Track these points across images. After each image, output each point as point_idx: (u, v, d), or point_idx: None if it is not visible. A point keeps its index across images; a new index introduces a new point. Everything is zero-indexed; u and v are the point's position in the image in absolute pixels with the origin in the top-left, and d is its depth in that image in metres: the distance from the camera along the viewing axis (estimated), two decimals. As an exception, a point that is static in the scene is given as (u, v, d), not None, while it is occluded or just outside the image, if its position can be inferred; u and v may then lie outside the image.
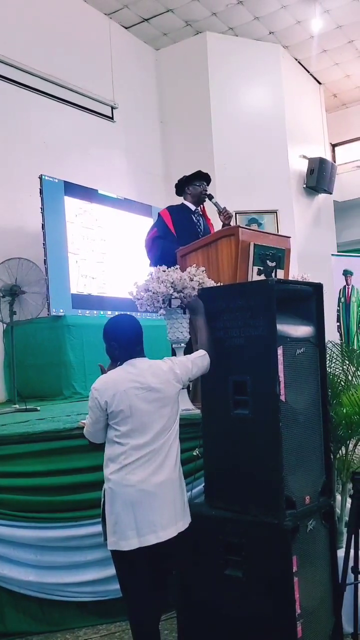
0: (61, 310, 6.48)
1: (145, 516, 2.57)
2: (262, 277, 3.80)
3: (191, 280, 3.33)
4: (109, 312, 7.04)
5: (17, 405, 5.16)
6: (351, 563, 3.03)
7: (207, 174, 4.80)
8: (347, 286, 9.02)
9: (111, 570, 3.03)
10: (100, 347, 6.54)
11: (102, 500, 2.66)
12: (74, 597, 3.52)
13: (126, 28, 9.04)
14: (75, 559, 3.50)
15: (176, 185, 4.87)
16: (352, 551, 3.03)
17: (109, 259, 7.41)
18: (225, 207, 4.58)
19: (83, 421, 3.48)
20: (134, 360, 2.74)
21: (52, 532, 3.46)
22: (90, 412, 2.69)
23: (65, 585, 3.49)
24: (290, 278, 4.19)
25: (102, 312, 7.03)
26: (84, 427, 2.82)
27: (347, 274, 9.01)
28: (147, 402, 2.65)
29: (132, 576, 2.65)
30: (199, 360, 2.90)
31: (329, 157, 10.96)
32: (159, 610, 2.87)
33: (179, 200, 4.88)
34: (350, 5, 8.74)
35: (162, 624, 2.97)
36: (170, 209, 4.75)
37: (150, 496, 2.58)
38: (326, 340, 3.17)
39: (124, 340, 2.77)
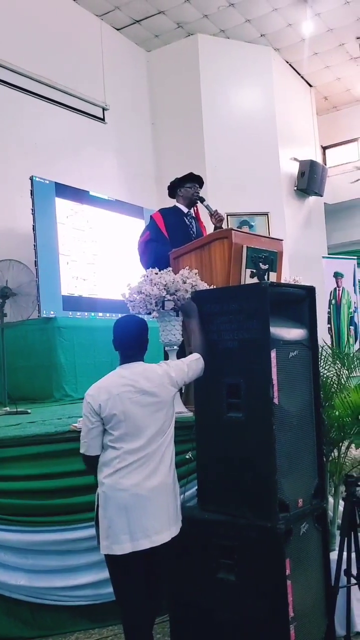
0: (52, 312, 6.46)
1: (138, 520, 2.56)
2: (255, 279, 3.79)
3: (184, 282, 3.32)
4: (100, 314, 7.04)
5: (7, 408, 5.13)
6: (344, 566, 3.03)
7: (199, 176, 4.79)
8: (337, 288, 9.07)
9: (104, 574, 3.02)
10: (91, 349, 6.58)
11: (96, 504, 2.64)
12: (66, 602, 3.49)
13: (117, 29, 9.04)
14: (68, 563, 3.47)
15: (168, 188, 4.86)
16: (344, 554, 3.03)
17: (100, 261, 7.39)
18: (216, 210, 4.57)
19: (75, 424, 3.48)
20: (128, 365, 2.73)
21: (44, 535, 3.43)
22: (84, 420, 2.67)
23: (57, 589, 3.46)
24: (282, 280, 4.20)
25: (93, 314, 7.02)
26: (75, 430, 2.80)
27: (337, 276, 9.06)
28: (140, 405, 2.63)
29: (126, 580, 2.63)
30: (194, 363, 2.89)
31: (319, 160, 11.02)
32: (152, 614, 2.86)
33: (172, 202, 4.87)
34: (341, 8, 8.80)
35: (155, 628, 2.95)
36: (163, 211, 4.74)
37: (144, 500, 2.57)
38: (321, 343, 3.17)
39: (120, 342, 2.78)
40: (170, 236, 4.49)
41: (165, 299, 3.34)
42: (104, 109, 8.59)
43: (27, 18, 7.47)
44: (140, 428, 2.62)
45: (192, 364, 2.88)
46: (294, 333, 2.98)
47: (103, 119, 8.60)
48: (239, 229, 4.71)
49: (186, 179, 4.75)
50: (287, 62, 10.27)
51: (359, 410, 3.37)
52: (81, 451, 2.69)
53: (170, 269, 3.53)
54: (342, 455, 3.53)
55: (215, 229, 4.53)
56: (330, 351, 3.92)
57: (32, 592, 3.44)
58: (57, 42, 7.87)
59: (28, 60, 7.34)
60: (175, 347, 3.60)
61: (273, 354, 2.75)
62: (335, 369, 3.76)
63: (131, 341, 2.77)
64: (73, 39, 8.19)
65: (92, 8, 8.50)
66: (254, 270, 3.82)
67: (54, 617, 3.49)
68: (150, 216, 4.78)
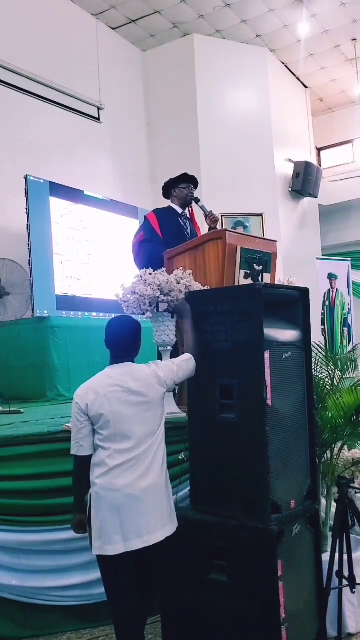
0: (45, 312, 6.44)
1: (131, 521, 2.56)
2: (249, 280, 3.80)
3: (178, 283, 3.33)
4: (94, 314, 7.03)
5: (0, 408, 5.12)
6: (336, 567, 3.04)
7: (193, 176, 4.79)
8: (331, 290, 9.08)
9: (96, 574, 3.02)
10: (84, 349, 6.57)
11: (88, 504, 2.64)
12: (58, 602, 3.49)
13: (113, 29, 9.02)
14: (60, 563, 3.47)
15: (163, 188, 4.86)
16: (336, 555, 3.04)
17: (95, 260, 7.38)
18: (211, 211, 4.57)
19: (67, 424, 3.47)
20: (117, 365, 2.74)
21: (36, 535, 3.43)
22: (73, 421, 2.67)
23: (49, 589, 3.46)
24: (276, 282, 4.20)
25: (87, 314, 7.01)
26: (68, 430, 2.79)
27: (331, 277, 9.07)
28: (129, 405, 2.63)
29: (118, 581, 2.63)
30: (185, 363, 2.89)
31: (314, 161, 11.03)
32: (144, 615, 2.85)
33: (166, 203, 4.87)
34: (336, 10, 8.81)
35: (147, 628, 2.95)
36: (157, 211, 4.73)
37: (136, 501, 2.57)
38: (316, 344, 3.18)
39: (111, 343, 2.78)
40: (164, 237, 4.49)
41: (159, 300, 3.34)
42: (99, 109, 8.56)
43: (23, 16, 7.45)
44: (129, 428, 2.62)
45: (183, 364, 2.88)
46: (288, 334, 2.99)
47: (98, 119, 8.58)
48: (233, 230, 4.71)
49: (181, 180, 4.75)
50: (283, 63, 10.28)
51: (352, 412, 3.38)
52: (72, 452, 2.68)
53: (165, 269, 3.53)
54: (335, 457, 3.54)
55: (210, 230, 4.53)
56: (324, 353, 3.92)
57: (24, 592, 3.44)
58: (52, 41, 7.85)
59: (23, 59, 7.31)
60: (169, 347, 3.60)
61: (267, 355, 2.75)
62: (329, 371, 3.77)
63: (122, 342, 2.77)
64: (68, 38, 8.18)
65: (87, 7, 8.48)
66: (248, 272, 3.83)
67: (46, 617, 3.48)
68: (145, 216, 4.78)
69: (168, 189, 4.81)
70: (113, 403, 2.61)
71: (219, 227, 4.67)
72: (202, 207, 4.59)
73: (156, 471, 2.66)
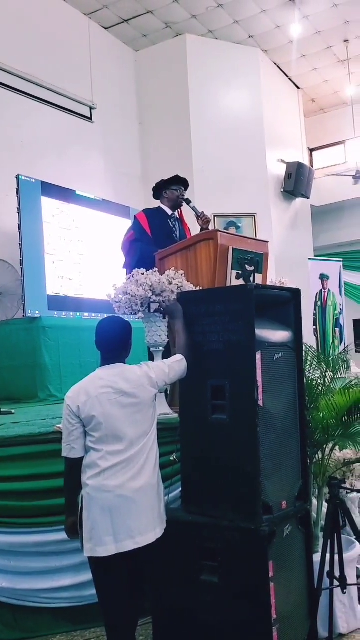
0: (37, 312, 6.42)
1: (122, 522, 2.55)
2: (241, 281, 3.79)
3: (170, 283, 3.32)
4: (86, 314, 7.01)
5: (-9, 408, 5.09)
6: (327, 568, 3.04)
7: (184, 178, 4.78)
8: (323, 290, 9.10)
9: (87, 576, 3.01)
10: (76, 349, 6.54)
11: (80, 506, 2.63)
12: (49, 604, 3.47)
13: (106, 28, 9.01)
14: (51, 565, 3.45)
15: (153, 189, 4.85)
16: (327, 556, 3.04)
17: (86, 260, 7.37)
18: (203, 212, 4.56)
19: (58, 425, 3.45)
20: (108, 366, 2.72)
21: (26, 537, 3.41)
22: (64, 423, 2.65)
23: (39, 591, 3.44)
24: (268, 282, 4.20)
25: (78, 314, 6.99)
26: (59, 431, 2.78)
27: (323, 278, 9.08)
28: (120, 407, 2.62)
29: (109, 582, 2.62)
30: (176, 364, 2.89)
31: (306, 162, 11.05)
32: (136, 617, 2.85)
33: (157, 203, 4.86)
34: (329, 11, 8.83)
35: (138, 630, 2.94)
36: (147, 211, 4.73)
37: (128, 502, 2.56)
38: (307, 345, 3.18)
39: (101, 344, 2.77)
40: (154, 236, 4.49)
41: (151, 300, 3.33)
42: (91, 108, 8.55)
43: (14, 15, 7.42)
44: (121, 430, 2.61)
45: (174, 365, 2.88)
46: (279, 335, 2.99)
47: (90, 118, 8.56)
48: (225, 231, 4.70)
49: (172, 182, 4.74)
50: (275, 64, 10.29)
51: (343, 413, 3.38)
52: (63, 455, 2.66)
53: (156, 269, 3.52)
54: (326, 457, 3.54)
55: (201, 230, 4.52)
56: (316, 353, 3.93)
57: (14, 594, 3.42)
58: (44, 40, 7.83)
59: (15, 58, 7.28)
60: (160, 348, 3.59)
61: (258, 355, 2.75)
62: (321, 371, 3.77)
63: (113, 343, 2.76)
64: (61, 37, 8.15)
65: (80, 6, 8.46)
66: (240, 272, 3.82)
67: (36, 620, 3.46)
68: (134, 216, 4.78)
69: (159, 190, 4.80)
70: (104, 405, 2.60)
71: (210, 227, 4.67)
72: (193, 208, 4.58)
73: (149, 472, 2.65)
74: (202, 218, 4.53)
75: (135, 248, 4.50)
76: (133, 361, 2.85)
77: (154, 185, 4.82)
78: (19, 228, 6.41)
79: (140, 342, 3.79)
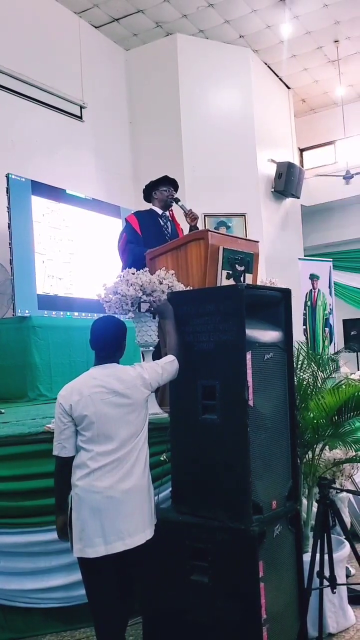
0: (27, 311, 6.39)
1: (112, 523, 2.54)
2: (231, 281, 3.79)
3: (161, 283, 3.31)
4: (76, 314, 6.99)
5: (-19, 408, 5.07)
6: (317, 568, 3.04)
7: (173, 179, 4.79)
8: (313, 290, 9.13)
9: (76, 576, 2.99)
10: (66, 349, 6.52)
11: (69, 506, 2.62)
12: (38, 604, 3.46)
13: (96, 27, 8.99)
14: (40, 565, 3.44)
15: (143, 191, 4.86)
16: (317, 556, 3.04)
17: (77, 260, 7.34)
18: (191, 210, 4.58)
19: (49, 425, 3.44)
20: (101, 366, 2.72)
21: (16, 537, 3.40)
22: (56, 421, 2.64)
23: (29, 591, 3.43)
24: (258, 282, 4.20)
25: (68, 314, 6.97)
26: (49, 431, 2.77)
27: (313, 278, 9.12)
28: (113, 407, 2.62)
29: (99, 583, 2.61)
30: (169, 365, 2.88)
31: (296, 162, 11.07)
32: (125, 617, 2.84)
33: (148, 205, 4.87)
34: (319, 12, 8.85)
35: (128, 630, 2.94)
36: (137, 213, 4.76)
37: (117, 503, 2.55)
38: (298, 345, 3.18)
39: (96, 343, 2.76)
40: (143, 237, 4.50)
41: (141, 300, 3.33)
42: (81, 107, 8.53)
43: (4, 14, 7.38)
44: (113, 430, 2.60)
45: (167, 366, 2.87)
46: (270, 335, 2.99)
47: (81, 117, 8.54)
48: (215, 230, 4.71)
49: (161, 182, 4.75)
50: (266, 64, 10.31)
51: (333, 413, 3.38)
52: (54, 453, 2.65)
53: (147, 269, 3.51)
54: (316, 457, 3.55)
55: (190, 228, 4.54)
56: (306, 353, 3.93)
57: (4, 594, 3.41)
58: (34, 39, 7.80)
59: (4, 57, 7.25)
60: (151, 348, 3.59)
61: (248, 356, 2.75)
62: (311, 371, 3.77)
63: (107, 342, 2.75)
64: (51, 35, 8.12)
65: (70, 5, 8.44)
66: (230, 272, 3.82)
67: (26, 620, 3.45)
68: (125, 219, 4.80)
69: (148, 192, 4.81)
70: (97, 404, 2.59)
71: (199, 226, 4.68)
72: (181, 206, 4.60)
73: (138, 473, 2.65)
74: (189, 215, 4.54)
75: (128, 250, 4.51)
76: (125, 361, 2.84)
77: (144, 187, 4.83)
78: (9, 227, 6.38)
79: (131, 342, 3.78)
